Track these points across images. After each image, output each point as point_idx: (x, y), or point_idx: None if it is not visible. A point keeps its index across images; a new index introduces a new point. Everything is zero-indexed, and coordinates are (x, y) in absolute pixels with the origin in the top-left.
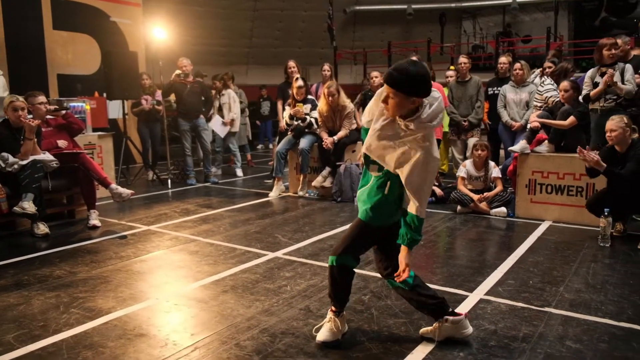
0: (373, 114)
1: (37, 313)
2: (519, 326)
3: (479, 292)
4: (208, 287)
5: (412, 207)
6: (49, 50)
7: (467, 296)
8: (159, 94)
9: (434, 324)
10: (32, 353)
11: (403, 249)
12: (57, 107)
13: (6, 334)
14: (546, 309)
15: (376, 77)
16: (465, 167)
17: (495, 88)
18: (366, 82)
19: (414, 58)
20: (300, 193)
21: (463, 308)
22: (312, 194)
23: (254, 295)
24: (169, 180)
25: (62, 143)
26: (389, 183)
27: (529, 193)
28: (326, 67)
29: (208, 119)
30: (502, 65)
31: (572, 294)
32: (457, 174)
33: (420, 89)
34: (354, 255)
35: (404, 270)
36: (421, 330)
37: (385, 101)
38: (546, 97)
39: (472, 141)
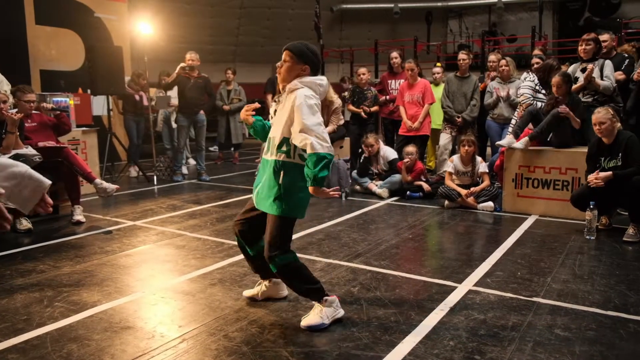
0: None
1: (20, 307)
2: (507, 315)
3: (468, 284)
4: (195, 280)
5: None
6: (32, 46)
7: (455, 287)
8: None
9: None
10: (15, 346)
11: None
12: (53, 107)
13: None
14: (534, 299)
15: (363, 73)
16: (453, 162)
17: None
18: (347, 82)
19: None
20: None
21: (452, 299)
22: None
23: (242, 287)
24: (155, 177)
25: (43, 145)
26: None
27: (515, 187)
28: None
29: (209, 115)
30: (492, 64)
31: (560, 284)
32: (444, 169)
33: (309, 57)
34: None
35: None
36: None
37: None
38: (520, 93)
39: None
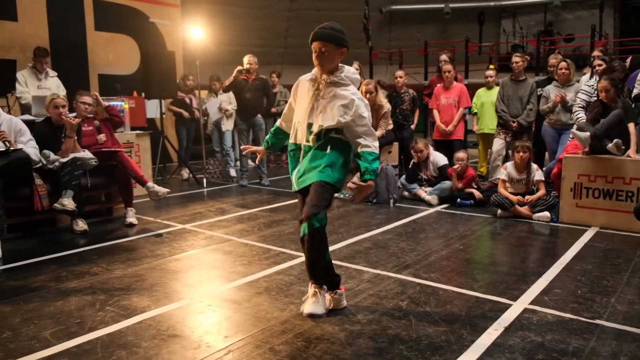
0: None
1: (73, 310)
2: (568, 339)
3: (524, 301)
4: (242, 288)
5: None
6: (91, 51)
7: (510, 305)
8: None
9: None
10: (68, 350)
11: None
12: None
13: (44, 329)
14: (597, 321)
15: (400, 76)
16: (507, 170)
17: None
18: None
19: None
20: (335, 194)
21: (507, 317)
22: (346, 195)
23: (289, 297)
24: (205, 180)
25: (101, 137)
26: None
27: (574, 197)
28: (355, 65)
29: (267, 117)
30: (552, 68)
31: (625, 305)
32: (497, 177)
33: (344, 40)
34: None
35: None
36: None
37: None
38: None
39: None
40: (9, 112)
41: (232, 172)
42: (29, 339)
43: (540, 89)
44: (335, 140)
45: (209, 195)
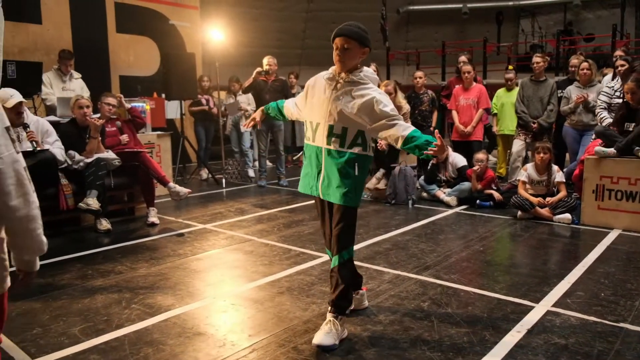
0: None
1: (100, 307)
2: (592, 342)
3: (546, 304)
4: (263, 287)
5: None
6: (112, 53)
7: (532, 307)
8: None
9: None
10: (96, 347)
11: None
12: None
13: (72, 326)
14: (622, 324)
15: (420, 77)
16: (527, 171)
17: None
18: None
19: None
20: None
21: (529, 319)
22: (365, 196)
23: (310, 297)
24: (224, 180)
25: (124, 138)
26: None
27: (596, 199)
28: (372, 66)
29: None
30: (573, 68)
31: None
32: (517, 178)
33: (368, 39)
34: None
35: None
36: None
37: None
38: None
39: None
40: (34, 114)
41: (251, 173)
42: (59, 335)
43: (560, 90)
44: (361, 159)
45: (228, 195)
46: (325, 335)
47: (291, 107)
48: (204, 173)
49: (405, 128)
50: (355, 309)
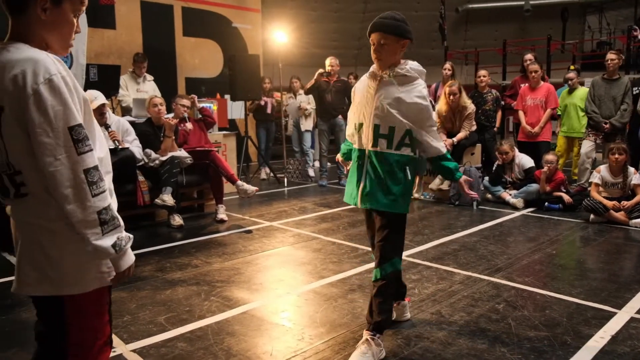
0: None
1: (182, 298)
2: None
3: (629, 310)
4: (335, 284)
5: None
6: (179, 56)
7: (615, 313)
8: (277, 96)
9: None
10: (182, 335)
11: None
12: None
13: (158, 315)
14: None
15: (484, 76)
16: (600, 173)
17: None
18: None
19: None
20: (416, 195)
21: (613, 326)
22: (427, 197)
23: None
24: (285, 179)
25: (188, 125)
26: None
27: None
28: (447, 65)
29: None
30: None
31: None
32: (587, 180)
33: (407, 31)
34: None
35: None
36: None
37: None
38: None
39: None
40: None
41: (311, 172)
42: (147, 323)
43: (635, 88)
44: (411, 162)
45: (290, 194)
46: (361, 356)
47: (346, 131)
48: (264, 172)
49: (439, 149)
50: (397, 320)
